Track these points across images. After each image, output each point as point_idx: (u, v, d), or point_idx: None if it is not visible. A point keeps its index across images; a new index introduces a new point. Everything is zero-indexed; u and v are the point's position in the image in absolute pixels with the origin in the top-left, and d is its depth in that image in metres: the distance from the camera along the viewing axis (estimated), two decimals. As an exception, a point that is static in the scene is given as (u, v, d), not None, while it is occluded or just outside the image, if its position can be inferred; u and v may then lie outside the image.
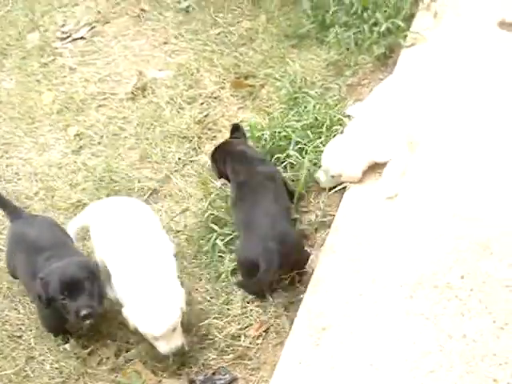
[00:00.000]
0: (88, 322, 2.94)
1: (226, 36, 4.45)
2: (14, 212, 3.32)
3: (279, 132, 3.59)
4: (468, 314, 2.69)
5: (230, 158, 3.34)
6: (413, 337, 2.66)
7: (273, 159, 3.52)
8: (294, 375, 2.69)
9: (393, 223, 3.11)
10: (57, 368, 3.04)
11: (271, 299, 3.08)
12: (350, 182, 3.33)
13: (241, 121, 3.84)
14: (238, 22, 4.53)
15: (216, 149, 3.47)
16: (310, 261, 3.12)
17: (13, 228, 3.29)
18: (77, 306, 2.87)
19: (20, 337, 3.19)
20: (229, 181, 3.39)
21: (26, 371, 3.07)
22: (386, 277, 2.89)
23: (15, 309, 3.29)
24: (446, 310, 2.71)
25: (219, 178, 3.51)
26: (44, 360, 3.09)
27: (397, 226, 3.09)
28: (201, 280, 3.24)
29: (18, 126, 4.15)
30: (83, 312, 2.87)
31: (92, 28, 4.79)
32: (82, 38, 4.74)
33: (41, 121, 4.15)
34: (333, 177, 3.36)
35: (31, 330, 3.19)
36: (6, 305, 3.30)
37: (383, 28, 4.01)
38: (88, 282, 2.92)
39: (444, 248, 2.93)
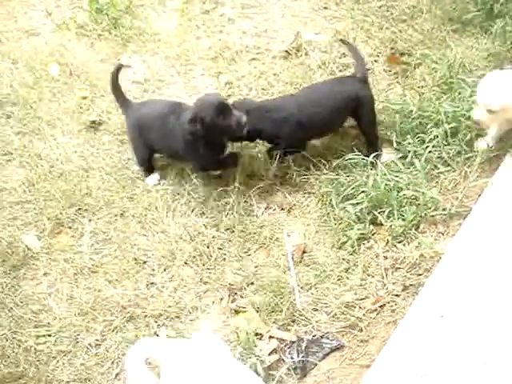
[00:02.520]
0: (245, 129, 3.36)
1: (388, 10, 4.37)
2: (125, 101, 3.69)
3: (429, 115, 3.52)
4: None
5: None
6: (533, 345, 2.59)
7: (415, 138, 3.48)
8: (404, 355, 2.69)
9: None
10: (173, 298, 3.20)
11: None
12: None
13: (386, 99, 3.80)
14: (402, -2, 4.45)
15: None
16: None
17: (132, 113, 3.63)
18: (236, 117, 3.30)
19: (145, 262, 3.35)
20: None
21: (144, 294, 3.23)
22: (515, 279, 2.81)
23: (145, 235, 3.45)
24: None
25: None
26: (163, 287, 3.25)
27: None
28: (324, 244, 3.26)
29: (173, 66, 4.28)
30: (243, 119, 3.31)
31: (255, -18, 4.84)
32: (245, -10, 4.80)
33: (195, 64, 4.26)
34: None
35: (156, 258, 3.35)
36: (138, 230, 3.47)
37: (555, 26, 3.83)
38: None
39: None
